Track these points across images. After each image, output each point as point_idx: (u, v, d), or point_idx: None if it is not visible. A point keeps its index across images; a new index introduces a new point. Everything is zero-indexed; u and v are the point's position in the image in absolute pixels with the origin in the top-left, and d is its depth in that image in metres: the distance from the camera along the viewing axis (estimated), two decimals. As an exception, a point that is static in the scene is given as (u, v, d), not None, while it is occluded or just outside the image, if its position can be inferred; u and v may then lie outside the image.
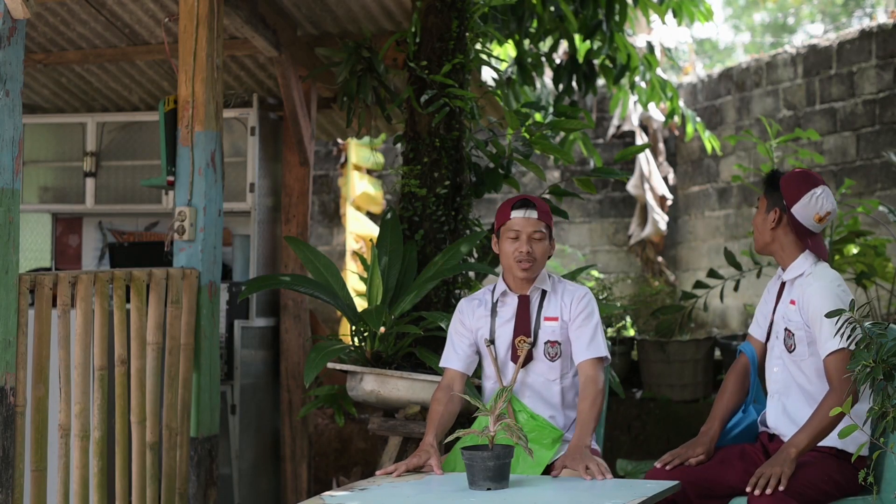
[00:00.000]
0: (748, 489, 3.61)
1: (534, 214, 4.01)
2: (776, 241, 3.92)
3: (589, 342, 4.00)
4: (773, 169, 4.07)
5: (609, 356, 4.04)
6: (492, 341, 4.07)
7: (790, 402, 3.86)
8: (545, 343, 4.03)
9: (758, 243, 3.99)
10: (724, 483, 3.79)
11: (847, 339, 3.57)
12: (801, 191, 3.85)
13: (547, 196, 5.44)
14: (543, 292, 4.07)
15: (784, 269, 3.94)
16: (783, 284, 3.95)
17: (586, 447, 3.80)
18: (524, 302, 4.07)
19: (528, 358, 4.02)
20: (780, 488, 3.56)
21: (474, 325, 4.12)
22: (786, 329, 3.87)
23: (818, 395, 3.78)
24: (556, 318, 4.04)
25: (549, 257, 4.11)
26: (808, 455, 3.70)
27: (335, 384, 5.57)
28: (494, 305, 4.11)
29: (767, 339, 4.02)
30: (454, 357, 4.12)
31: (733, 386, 4.06)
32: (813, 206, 3.85)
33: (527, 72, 7.08)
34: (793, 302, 3.86)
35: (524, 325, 4.04)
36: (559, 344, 4.03)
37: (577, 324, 4.02)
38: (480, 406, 3.57)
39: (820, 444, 3.72)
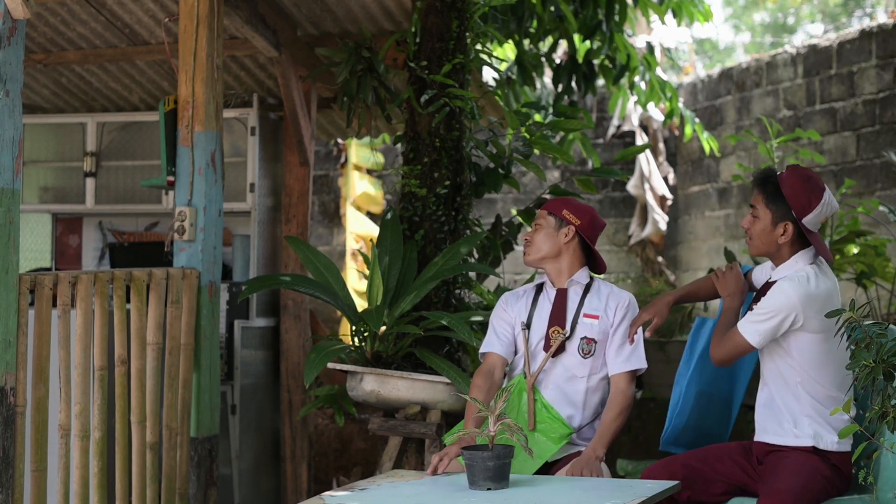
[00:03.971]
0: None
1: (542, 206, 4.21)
2: (780, 250, 3.80)
3: (629, 355, 4.03)
4: (766, 169, 3.89)
5: (646, 365, 4.04)
6: (528, 325, 4.08)
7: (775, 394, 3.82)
8: (581, 339, 4.03)
9: (756, 251, 3.84)
10: (720, 481, 3.78)
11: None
12: (811, 201, 3.72)
13: (547, 196, 5.44)
14: (585, 289, 4.08)
15: (776, 267, 3.82)
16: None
17: (598, 459, 3.82)
18: (561, 294, 4.09)
19: (561, 349, 4.02)
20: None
21: (514, 313, 4.14)
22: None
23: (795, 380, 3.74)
24: (596, 317, 4.04)
25: (566, 246, 4.09)
26: (792, 456, 3.70)
27: (335, 384, 5.57)
28: (537, 295, 4.14)
29: None
30: (496, 342, 4.12)
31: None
32: (824, 213, 3.75)
33: (527, 72, 7.07)
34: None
35: (560, 316, 4.05)
36: (595, 342, 4.03)
37: (619, 333, 4.04)
38: (481, 407, 3.57)
39: (797, 443, 3.72)
